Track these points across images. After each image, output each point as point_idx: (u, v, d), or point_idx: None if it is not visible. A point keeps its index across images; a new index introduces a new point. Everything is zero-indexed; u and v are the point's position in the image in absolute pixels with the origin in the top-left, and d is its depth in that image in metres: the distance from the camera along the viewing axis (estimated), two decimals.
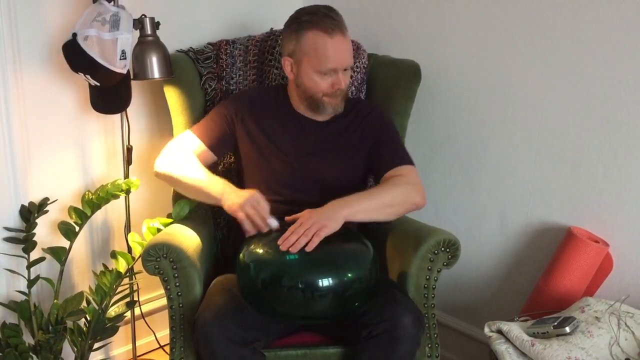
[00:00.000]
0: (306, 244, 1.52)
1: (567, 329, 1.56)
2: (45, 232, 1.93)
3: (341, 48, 1.71)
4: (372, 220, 1.66)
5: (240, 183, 1.84)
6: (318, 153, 1.80)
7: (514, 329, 1.61)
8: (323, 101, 1.76)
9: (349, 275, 1.51)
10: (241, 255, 1.57)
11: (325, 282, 1.48)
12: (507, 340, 1.62)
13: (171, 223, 1.83)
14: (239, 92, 1.90)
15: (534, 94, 1.90)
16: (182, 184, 1.75)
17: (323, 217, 1.57)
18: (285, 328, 1.66)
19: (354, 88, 2.04)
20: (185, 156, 1.78)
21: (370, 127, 1.84)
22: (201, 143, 1.80)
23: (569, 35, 1.81)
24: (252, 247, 1.57)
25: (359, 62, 2.05)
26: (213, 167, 1.87)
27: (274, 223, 1.62)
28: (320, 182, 1.79)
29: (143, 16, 1.84)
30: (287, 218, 1.63)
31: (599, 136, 1.80)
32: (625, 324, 1.59)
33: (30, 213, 1.85)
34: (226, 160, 2.00)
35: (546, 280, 1.83)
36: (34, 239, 1.83)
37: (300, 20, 1.73)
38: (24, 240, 1.82)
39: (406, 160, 1.80)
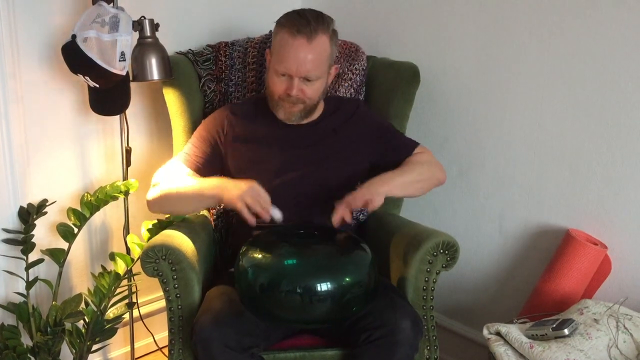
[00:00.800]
0: (297, 247, 1.54)
1: (566, 331, 1.56)
2: (43, 234, 1.93)
3: (299, 53, 1.65)
4: (406, 195, 1.78)
5: None
6: (309, 157, 1.78)
7: (513, 331, 1.61)
8: (278, 104, 1.74)
9: (348, 279, 1.51)
10: (240, 259, 1.57)
11: (323, 287, 1.48)
12: (506, 342, 1.62)
13: (170, 225, 1.83)
14: (218, 110, 1.87)
15: (533, 96, 1.91)
16: (177, 199, 1.70)
17: (369, 192, 1.62)
18: (284, 332, 1.66)
19: (352, 90, 2.04)
20: (172, 177, 1.75)
21: (363, 126, 1.82)
22: (188, 169, 1.77)
23: (567, 38, 1.81)
24: (250, 251, 1.57)
25: (357, 64, 2.05)
26: None
27: (277, 214, 1.60)
28: (312, 183, 1.76)
29: (142, 18, 1.84)
30: (334, 218, 1.62)
31: (597, 138, 1.80)
32: (624, 326, 1.59)
33: (29, 214, 1.85)
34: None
35: (545, 282, 1.83)
36: (33, 240, 1.83)
37: (283, 17, 1.72)
38: (23, 241, 1.82)
39: (414, 142, 1.86)
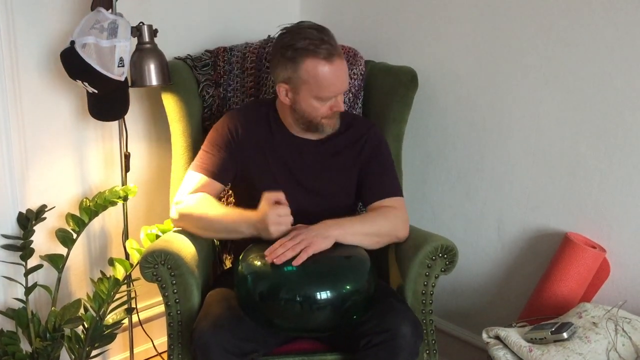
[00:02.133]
0: (293, 258, 1.51)
1: (565, 335, 1.56)
2: (42, 240, 1.93)
3: (341, 73, 1.68)
4: (358, 244, 1.65)
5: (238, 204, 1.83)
6: (314, 172, 1.78)
7: (512, 334, 1.61)
8: (322, 123, 1.73)
9: (347, 287, 1.51)
10: (239, 266, 1.57)
11: (323, 295, 1.48)
12: (505, 346, 1.62)
13: (169, 230, 1.83)
14: (227, 115, 1.84)
15: (531, 100, 1.91)
16: (208, 225, 1.70)
17: (313, 235, 1.57)
18: (284, 338, 1.65)
19: (351, 95, 2.05)
20: (199, 198, 1.72)
21: (367, 148, 1.81)
22: (205, 177, 1.75)
23: (565, 42, 1.82)
24: (250, 258, 1.56)
25: (355, 69, 2.06)
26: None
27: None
28: (316, 200, 1.77)
29: (141, 24, 1.85)
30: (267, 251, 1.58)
31: (595, 142, 1.80)
32: (623, 329, 1.59)
33: (28, 220, 1.85)
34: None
35: (543, 286, 1.83)
36: (32, 246, 1.83)
37: (296, 47, 1.64)
38: (22, 247, 1.82)
39: (396, 191, 1.79)
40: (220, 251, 2.00)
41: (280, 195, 1.61)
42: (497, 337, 1.64)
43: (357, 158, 1.80)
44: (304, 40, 1.64)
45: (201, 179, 1.75)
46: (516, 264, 2.03)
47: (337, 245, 1.61)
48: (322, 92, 1.67)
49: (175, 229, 1.78)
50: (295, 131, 1.79)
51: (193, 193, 1.74)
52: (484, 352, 1.68)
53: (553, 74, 1.85)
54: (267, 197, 1.62)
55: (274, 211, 1.59)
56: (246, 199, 1.76)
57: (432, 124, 2.15)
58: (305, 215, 1.66)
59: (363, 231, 1.66)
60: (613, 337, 1.57)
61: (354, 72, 2.05)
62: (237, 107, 2.01)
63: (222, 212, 1.69)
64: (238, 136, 1.78)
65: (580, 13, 1.77)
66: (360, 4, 2.28)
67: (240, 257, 1.59)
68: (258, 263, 1.54)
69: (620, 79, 1.73)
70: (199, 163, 1.78)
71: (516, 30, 1.91)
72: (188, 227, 1.75)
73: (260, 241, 1.61)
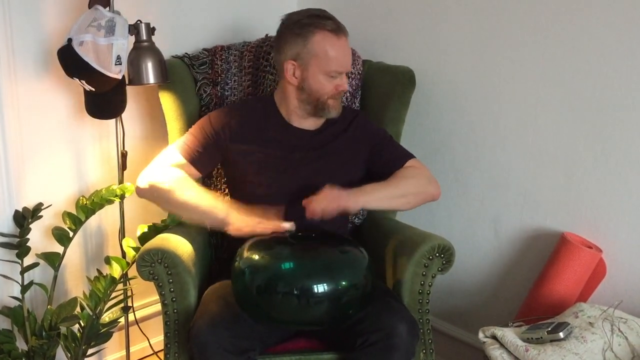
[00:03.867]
0: (295, 249, 1.54)
1: (561, 335, 1.56)
2: (39, 238, 1.93)
3: (348, 51, 1.75)
4: (388, 209, 1.77)
5: (232, 195, 1.84)
6: (312, 161, 1.80)
7: (508, 334, 1.62)
8: (328, 104, 1.75)
9: (344, 281, 1.51)
10: (236, 261, 1.57)
11: (320, 289, 1.48)
12: (501, 345, 1.62)
13: (166, 228, 1.82)
14: (225, 107, 1.86)
15: (528, 100, 1.92)
16: (174, 202, 1.67)
17: (346, 194, 1.64)
18: (281, 336, 1.66)
19: (348, 94, 2.05)
20: (174, 173, 1.70)
21: (360, 133, 1.84)
22: (183, 160, 1.74)
23: (562, 42, 1.82)
24: (247, 253, 1.56)
25: (353, 68, 2.06)
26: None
27: (287, 224, 1.62)
28: (310, 190, 1.76)
29: (138, 22, 1.84)
30: (305, 202, 1.65)
31: (592, 142, 1.81)
32: (619, 329, 1.59)
33: (24, 218, 1.84)
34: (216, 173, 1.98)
35: (540, 285, 1.83)
36: (28, 244, 1.83)
37: (303, 23, 1.72)
38: (18, 245, 1.81)
39: (409, 154, 1.85)
40: (216, 249, 2.00)
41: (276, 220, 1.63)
42: (494, 337, 1.65)
43: (351, 142, 1.83)
44: (310, 17, 1.72)
45: (179, 160, 1.75)
46: (513, 264, 2.03)
47: (335, 241, 1.61)
48: (330, 66, 1.71)
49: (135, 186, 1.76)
50: (294, 120, 1.81)
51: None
52: (481, 352, 1.68)
53: (550, 74, 1.86)
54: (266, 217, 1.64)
55: (253, 223, 1.61)
56: (238, 189, 1.81)
57: (429, 123, 2.15)
58: (300, 206, 1.67)
59: (388, 195, 1.72)
60: (609, 337, 1.57)
61: (351, 72, 2.05)
62: (237, 101, 2.02)
63: (190, 194, 1.66)
64: (231, 130, 1.78)
65: (577, 13, 1.77)
66: (357, 4, 2.29)
67: (238, 252, 1.59)
68: (255, 257, 1.54)
69: (616, 79, 1.74)
70: (182, 144, 1.77)
71: (513, 30, 1.91)
72: (152, 199, 1.72)
73: (257, 238, 1.61)
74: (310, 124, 1.82)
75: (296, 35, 1.71)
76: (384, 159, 1.83)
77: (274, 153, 1.78)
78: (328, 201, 1.63)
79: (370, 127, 1.88)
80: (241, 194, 1.79)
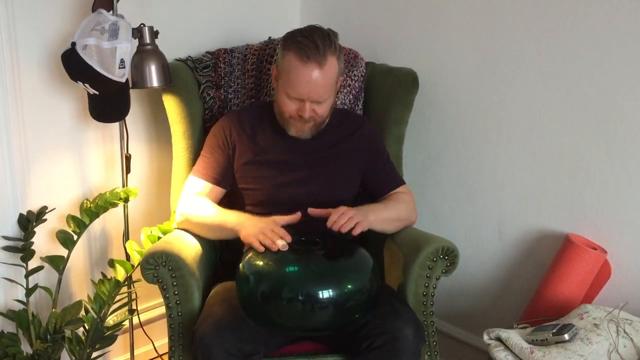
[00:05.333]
0: (298, 254, 1.54)
1: (566, 336, 1.56)
2: (43, 241, 1.93)
3: (311, 80, 1.65)
4: (383, 231, 1.75)
5: (237, 204, 1.84)
6: (308, 168, 1.79)
7: (513, 336, 1.61)
8: (289, 122, 1.75)
9: (349, 286, 1.51)
10: (241, 266, 1.57)
11: (325, 294, 1.48)
12: (506, 347, 1.62)
13: (170, 231, 1.82)
14: (224, 117, 1.88)
15: (531, 101, 1.91)
16: (201, 226, 1.76)
17: (362, 213, 1.65)
18: (285, 339, 1.65)
19: (351, 96, 2.05)
20: (196, 200, 1.78)
21: (363, 144, 1.83)
22: (206, 183, 1.79)
23: (565, 43, 1.82)
24: (252, 258, 1.56)
25: (356, 70, 2.06)
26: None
27: (280, 242, 1.58)
28: (313, 197, 1.76)
29: (142, 25, 1.85)
30: (311, 210, 1.65)
31: (596, 143, 1.80)
32: (624, 330, 1.59)
33: (29, 222, 1.85)
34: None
35: (545, 287, 1.83)
36: (32, 247, 1.83)
37: (290, 37, 1.70)
38: (22, 249, 1.82)
39: (401, 179, 1.89)
40: (221, 252, 2.00)
41: (294, 218, 1.65)
42: (499, 339, 1.64)
43: (354, 152, 1.82)
44: (301, 36, 1.67)
45: (202, 184, 1.80)
46: (517, 265, 2.03)
47: (339, 245, 1.61)
48: (289, 88, 1.69)
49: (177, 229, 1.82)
50: (294, 134, 1.80)
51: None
52: (485, 354, 1.68)
53: (553, 75, 1.85)
54: (279, 218, 1.65)
55: (274, 225, 1.61)
56: (239, 195, 1.81)
57: (432, 125, 2.15)
58: (302, 210, 1.67)
59: (389, 217, 1.76)
60: (614, 339, 1.57)
61: (354, 74, 2.05)
62: (235, 108, 2.02)
63: (212, 213, 1.74)
64: (232, 137, 1.81)
65: (581, 13, 1.77)
66: (360, 6, 2.29)
67: (242, 257, 1.59)
68: (260, 263, 1.54)
69: (621, 80, 1.73)
70: (199, 168, 1.82)
71: (516, 32, 1.91)
72: (190, 228, 1.80)
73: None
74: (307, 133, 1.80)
75: (282, 46, 1.72)
76: (380, 178, 1.85)
77: (270, 159, 1.79)
78: (349, 219, 1.62)
79: (375, 141, 1.88)
80: (240, 201, 1.81)
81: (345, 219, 1.61)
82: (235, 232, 1.67)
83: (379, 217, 1.71)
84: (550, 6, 1.82)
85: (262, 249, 1.58)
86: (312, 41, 1.65)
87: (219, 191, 1.81)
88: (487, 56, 1.99)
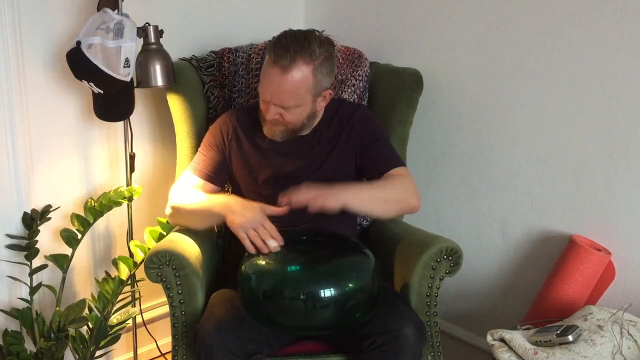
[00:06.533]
0: (301, 255, 1.52)
1: (570, 338, 1.56)
2: (47, 240, 1.94)
3: (273, 82, 1.62)
4: (368, 212, 1.65)
5: None
6: (304, 166, 1.78)
7: (517, 337, 1.61)
8: (264, 122, 1.74)
9: (351, 285, 1.51)
10: (242, 266, 1.57)
11: (327, 293, 1.48)
12: (510, 348, 1.61)
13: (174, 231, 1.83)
14: (223, 116, 1.87)
15: (536, 102, 1.91)
16: (188, 215, 1.75)
17: (325, 191, 1.54)
18: (287, 339, 1.65)
19: (355, 96, 2.05)
20: (186, 190, 1.77)
21: (356, 130, 1.79)
22: (199, 179, 1.78)
23: (570, 44, 1.81)
24: (253, 258, 1.57)
25: (360, 70, 2.06)
26: None
27: (272, 244, 1.58)
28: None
29: (147, 24, 1.85)
30: (280, 198, 1.57)
31: (600, 144, 1.80)
32: (628, 332, 1.58)
33: (33, 220, 1.85)
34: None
35: (548, 288, 1.83)
36: (36, 246, 1.83)
37: (275, 38, 1.67)
38: (26, 247, 1.82)
39: (399, 161, 1.77)
40: (224, 252, 2.00)
41: (280, 211, 1.59)
42: (502, 340, 1.64)
43: (348, 143, 1.78)
44: (283, 38, 1.64)
45: (194, 180, 1.79)
46: (521, 266, 2.02)
47: (341, 244, 1.61)
48: (259, 87, 1.69)
49: (175, 228, 1.82)
50: (266, 134, 1.78)
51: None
52: (489, 355, 1.68)
53: (558, 76, 1.85)
54: (266, 208, 1.61)
55: (263, 219, 1.58)
56: (235, 193, 1.81)
57: (436, 125, 2.15)
58: (302, 210, 1.67)
59: (372, 196, 1.63)
60: (618, 340, 1.57)
61: (358, 74, 2.05)
62: (233, 108, 2.01)
63: (199, 203, 1.72)
64: (228, 135, 1.81)
65: (586, 15, 1.77)
66: (365, 6, 2.29)
67: (244, 257, 1.59)
68: (262, 262, 1.54)
69: (625, 82, 1.73)
70: (195, 164, 1.81)
71: (521, 32, 1.90)
72: (179, 220, 1.79)
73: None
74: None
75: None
76: (374, 158, 1.76)
77: (261, 159, 1.79)
78: (307, 197, 1.53)
79: (367, 124, 1.80)
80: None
81: (303, 197, 1.52)
82: (222, 216, 1.64)
83: (359, 195, 1.59)
84: (555, 7, 1.82)
85: (252, 249, 1.57)
86: (284, 46, 1.61)
87: (212, 188, 1.79)
88: (491, 56, 1.99)
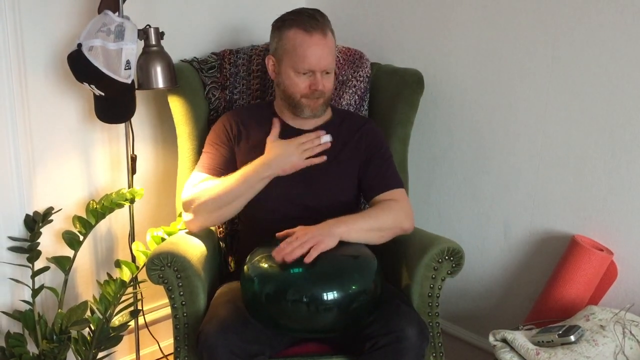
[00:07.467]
0: (303, 256, 1.51)
1: (572, 338, 1.56)
2: (49, 242, 1.94)
3: (320, 48, 1.71)
4: (362, 242, 1.65)
5: None
6: (309, 167, 1.75)
7: (519, 337, 1.61)
8: (301, 102, 1.75)
9: (354, 287, 1.51)
10: (245, 268, 1.57)
11: (330, 296, 1.48)
12: (512, 349, 1.61)
13: (175, 232, 1.83)
14: (224, 115, 1.87)
15: (537, 102, 1.91)
16: (225, 198, 1.69)
17: (319, 233, 1.56)
18: (290, 340, 1.65)
19: (357, 97, 2.05)
20: (203, 186, 1.73)
21: (363, 142, 1.81)
22: (210, 177, 1.76)
23: (572, 44, 1.81)
24: (256, 260, 1.56)
25: (361, 71, 2.06)
26: None
27: (326, 138, 1.71)
28: (314, 193, 1.76)
29: (147, 26, 1.85)
30: (278, 234, 1.61)
31: (602, 144, 1.80)
32: (630, 332, 1.58)
33: (35, 222, 1.85)
34: None
35: (550, 288, 1.82)
36: (39, 248, 1.84)
37: (284, 19, 1.75)
38: (29, 249, 1.82)
39: (397, 183, 1.79)
40: (226, 253, 2.00)
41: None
42: (504, 340, 1.64)
43: (355, 151, 1.80)
44: (293, 14, 1.74)
45: (205, 177, 1.77)
46: (523, 267, 2.02)
47: (343, 245, 1.61)
48: (297, 63, 1.71)
49: (187, 230, 1.78)
50: (290, 120, 1.81)
51: None
52: (491, 355, 1.68)
53: (559, 76, 1.85)
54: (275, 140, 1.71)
55: (293, 142, 1.69)
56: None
57: (438, 126, 2.15)
58: (304, 210, 1.67)
59: (366, 227, 1.65)
60: (621, 340, 1.56)
61: (359, 74, 2.05)
62: (232, 109, 2.01)
63: (228, 181, 1.70)
64: (232, 132, 1.82)
65: (586, 13, 1.77)
66: (365, 7, 2.29)
67: (247, 259, 1.59)
68: (264, 265, 1.54)
69: (627, 81, 1.73)
70: (201, 164, 1.81)
71: (522, 32, 1.90)
72: (208, 216, 1.72)
73: (266, 243, 1.61)
74: (310, 124, 1.80)
75: (276, 29, 1.76)
76: (373, 174, 1.78)
77: None
78: (302, 248, 1.53)
79: (376, 138, 1.83)
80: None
81: (295, 246, 1.52)
82: (269, 174, 1.68)
83: (352, 227, 1.61)
84: (556, 6, 1.82)
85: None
86: (309, 16, 1.72)
87: None
88: (492, 57, 1.99)
